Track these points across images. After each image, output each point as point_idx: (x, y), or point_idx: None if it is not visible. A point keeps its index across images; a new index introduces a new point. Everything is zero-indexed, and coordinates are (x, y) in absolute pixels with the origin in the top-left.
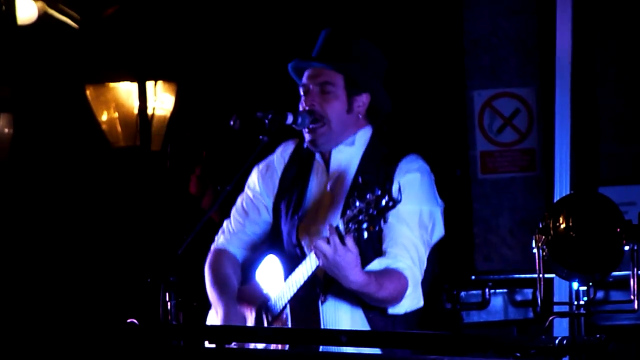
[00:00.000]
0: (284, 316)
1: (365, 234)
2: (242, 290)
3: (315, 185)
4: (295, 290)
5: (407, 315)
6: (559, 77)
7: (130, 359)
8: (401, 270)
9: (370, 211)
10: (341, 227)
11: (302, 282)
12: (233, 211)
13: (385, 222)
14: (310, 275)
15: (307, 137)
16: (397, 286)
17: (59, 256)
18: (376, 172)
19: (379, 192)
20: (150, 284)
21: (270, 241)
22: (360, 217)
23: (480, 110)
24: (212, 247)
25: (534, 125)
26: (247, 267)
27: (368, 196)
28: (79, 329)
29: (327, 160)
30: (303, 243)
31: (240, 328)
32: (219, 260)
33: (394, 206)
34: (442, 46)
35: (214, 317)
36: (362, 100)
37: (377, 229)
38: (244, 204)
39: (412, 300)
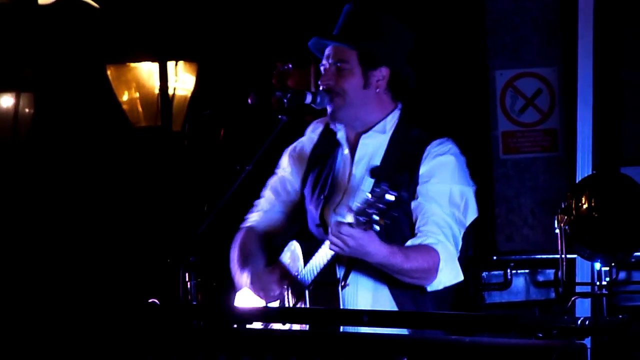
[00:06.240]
0: (305, 300)
1: (377, 227)
2: (268, 269)
3: (341, 166)
4: (314, 275)
5: (435, 294)
6: (581, 57)
7: (150, 339)
8: (431, 244)
9: (379, 205)
10: (351, 219)
11: (320, 267)
12: (265, 191)
13: (396, 215)
14: (329, 259)
15: (328, 110)
16: (426, 259)
17: (78, 237)
18: (402, 157)
19: (386, 186)
20: (170, 265)
21: (300, 221)
22: (370, 211)
23: (502, 91)
24: (242, 225)
25: (556, 105)
26: (277, 248)
27: (377, 190)
28: (99, 309)
29: (354, 144)
30: (327, 224)
31: (260, 309)
32: (246, 238)
33: (400, 202)
34: (464, 26)
35: (240, 295)
36: (381, 74)
37: (388, 222)
38: (274, 185)
39: (449, 274)
